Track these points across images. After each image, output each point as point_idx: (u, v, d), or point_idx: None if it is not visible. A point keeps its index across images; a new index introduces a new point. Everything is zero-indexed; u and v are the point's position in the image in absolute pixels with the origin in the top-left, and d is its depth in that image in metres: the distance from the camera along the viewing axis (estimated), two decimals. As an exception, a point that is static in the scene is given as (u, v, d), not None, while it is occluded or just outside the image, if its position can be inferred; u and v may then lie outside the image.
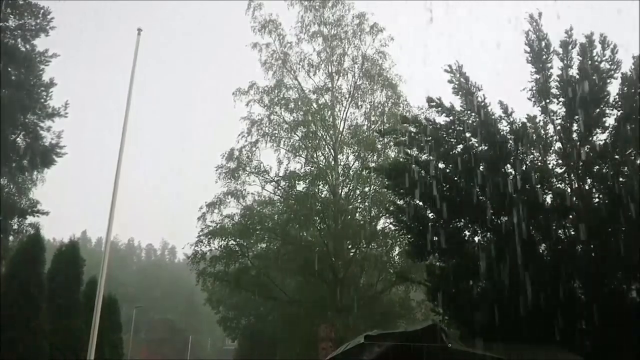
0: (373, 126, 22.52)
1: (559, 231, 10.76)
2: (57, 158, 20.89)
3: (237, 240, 22.08)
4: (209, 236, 21.70)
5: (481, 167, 10.95)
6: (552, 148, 11.40)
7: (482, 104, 11.20)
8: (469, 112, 11.47)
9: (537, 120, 11.44)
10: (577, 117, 10.76)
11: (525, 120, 11.24)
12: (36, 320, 15.86)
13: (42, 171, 22.18)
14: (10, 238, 21.81)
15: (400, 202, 12.57)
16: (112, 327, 21.09)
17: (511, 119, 11.08)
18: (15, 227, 21.62)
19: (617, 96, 10.73)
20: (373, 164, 21.28)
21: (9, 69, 20.09)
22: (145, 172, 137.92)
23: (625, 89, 10.49)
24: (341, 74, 23.29)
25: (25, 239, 19.27)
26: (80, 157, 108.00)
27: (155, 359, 64.66)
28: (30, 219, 21.80)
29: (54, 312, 17.01)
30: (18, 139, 20.53)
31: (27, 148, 20.38)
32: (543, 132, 11.43)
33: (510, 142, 10.97)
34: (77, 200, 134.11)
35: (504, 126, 11.31)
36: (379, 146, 21.41)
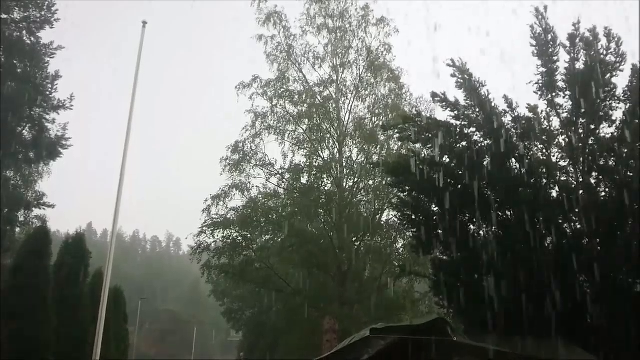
0: (375, 118, 22.56)
1: (565, 225, 10.73)
2: (62, 150, 20.97)
3: (241, 232, 22.14)
4: (212, 228, 21.76)
5: (486, 161, 10.92)
6: (557, 141, 11.36)
7: (486, 98, 11.15)
8: (473, 106, 11.43)
9: (541, 112, 11.38)
10: (583, 110, 10.70)
11: (529, 115, 11.20)
12: (42, 312, 15.99)
13: (48, 163, 22.29)
14: (17, 230, 21.97)
15: (405, 196, 12.57)
16: (118, 319, 21.29)
17: (516, 113, 11.04)
18: (22, 219, 21.77)
19: (626, 88, 10.66)
20: (376, 156, 21.30)
21: (15, 62, 20.12)
22: (151, 164, 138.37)
23: (635, 81, 10.41)
24: (346, 67, 23.23)
25: (32, 231, 19.40)
26: (85, 150, 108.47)
27: (160, 350, 65.20)
28: (36, 212, 21.97)
29: (60, 303, 17.14)
30: (24, 131, 20.60)
31: (33, 140, 20.45)
32: (547, 125, 11.38)
33: (515, 136, 10.93)
34: (82, 192, 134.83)
35: (508, 120, 11.27)
36: (382, 138, 21.41)
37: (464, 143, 11.30)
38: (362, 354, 7.99)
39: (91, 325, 15.30)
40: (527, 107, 11.24)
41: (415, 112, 16.03)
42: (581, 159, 10.66)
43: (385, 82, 23.03)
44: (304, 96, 22.84)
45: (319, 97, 22.95)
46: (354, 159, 22.41)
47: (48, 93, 20.67)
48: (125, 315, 23.90)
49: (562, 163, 11.09)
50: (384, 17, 23.50)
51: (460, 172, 11.07)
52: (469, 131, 11.32)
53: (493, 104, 11.19)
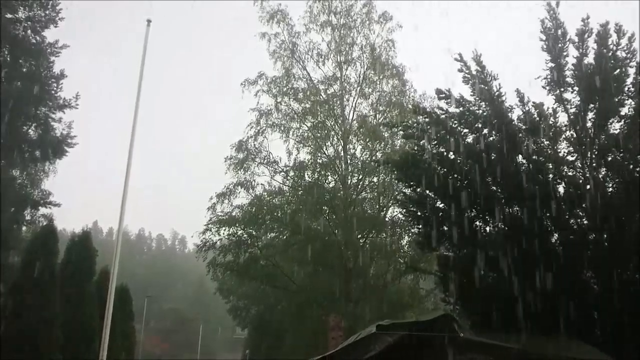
0: (379, 115, 22.54)
1: (572, 220, 10.68)
2: (68, 149, 21.05)
3: (246, 229, 22.18)
4: (217, 225, 21.81)
5: (492, 157, 10.87)
6: (564, 136, 11.29)
7: (497, 93, 11.08)
8: (480, 102, 11.38)
9: (547, 108, 11.32)
10: (591, 106, 10.63)
11: (537, 110, 11.13)
12: (49, 310, 16.06)
13: (54, 162, 22.37)
14: (24, 229, 22.07)
15: (410, 192, 12.54)
16: (124, 317, 21.39)
17: (527, 108, 10.98)
18: (28, 218, 21.88)
19: (630, 85, 10.58)
20: (380, 154, 21.28)
21: (20, 61, 20.20)
22: (156, 162, 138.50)
23: (640, 77, 10.34)
24: (349, 64, 23.19)
25: (39, 229, 19.49)
26: (90, 148, 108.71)
27: (165, 348, 65.46)
28: (42, 210, 22.06)
29: (67, 301, 17.22)
30: (30, 130, 20.70)
31: (39, 139, 20.55)
32: (553, 120, 11.32)
33: (523, 131, 10.87)
34: (87, 191, 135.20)
35: (516, 115, 11.22)
36: (386, 135, 21.38)
37: (470, 139, 11.25)
38: (368, 350, 7.97)
39: (97, 323, 15.39)
40: (532, 105, 11.18)
41: (421, 108, 15.93)
42: (589, 154, 10.59)
43: (388, 78, 23.00)
44: (308, 93, 22.83)
45: (322, 95, 22.94)
46: (358, 156, 22.41)
47: (53, 92, 20.76)
48: (131, 313, 24.01)
49: (570, 158, 11.03)
50: (386, 13, 23.49)
51: (467, 168, 11.03)
52: (476, 127, 11.26)
53: (503, 98, 11.13)
